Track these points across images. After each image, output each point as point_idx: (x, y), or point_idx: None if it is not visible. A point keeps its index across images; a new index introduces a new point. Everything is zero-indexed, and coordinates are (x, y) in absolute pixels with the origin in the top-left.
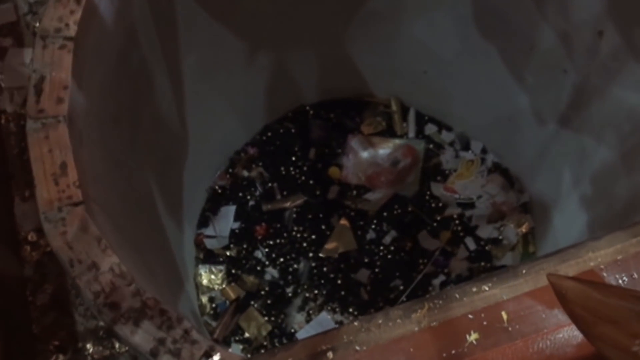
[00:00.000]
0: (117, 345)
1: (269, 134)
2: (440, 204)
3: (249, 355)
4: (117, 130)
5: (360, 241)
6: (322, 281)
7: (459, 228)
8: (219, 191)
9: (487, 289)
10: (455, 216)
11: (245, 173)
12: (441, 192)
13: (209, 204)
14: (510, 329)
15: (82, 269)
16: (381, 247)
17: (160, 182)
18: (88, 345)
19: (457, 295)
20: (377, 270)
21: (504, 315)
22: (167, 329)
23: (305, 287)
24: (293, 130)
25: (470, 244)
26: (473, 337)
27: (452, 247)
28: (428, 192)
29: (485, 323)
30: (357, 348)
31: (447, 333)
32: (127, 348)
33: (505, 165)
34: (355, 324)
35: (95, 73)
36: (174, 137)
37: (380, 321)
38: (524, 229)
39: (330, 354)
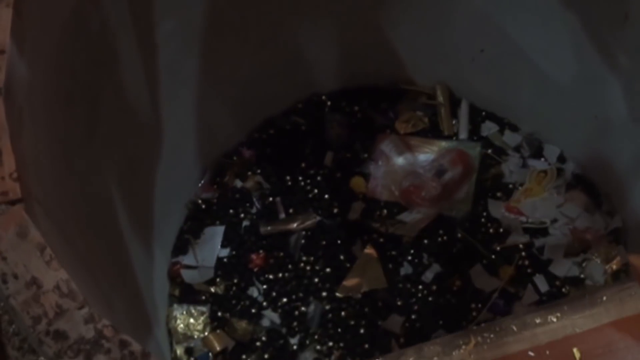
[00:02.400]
0: None
1: (271, 131)
2: (501, 230)
3: None
4: (69, 114)
5: (392, 277)
6: (339, 330)
7: (526, 262)
8: (203, 206)
9: (554, 319)
10: (521, 246)
11: (239, 183)
12: (502, 213)
13: (189, 224)
14: None
15: (18, 287)
16: (420, 286)
17: (123, 188)
18: None
19: (515, 328)
20: (413, 317)
21: (576, 352)
22: None
23: (316, 337)
24: (303, 127)
25: (542, 284)
26: None
27: (516, 288)
28: (485, 213)
29: None
30: None
31: None
32: None
33: (591, 179)
34: None
35: (43, 37)
36: (144, 130)
37: (411, 359)
38: (614, 264)
39: None
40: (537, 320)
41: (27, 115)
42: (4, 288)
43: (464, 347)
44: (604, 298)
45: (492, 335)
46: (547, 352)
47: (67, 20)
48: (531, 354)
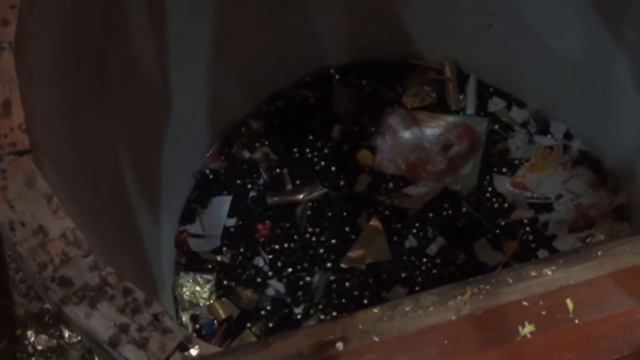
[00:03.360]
0: (66, 334)
1: (279, 103)
2: (506, 205)
3: None
4: (79, 74)
5: (397, 249)
6: (343, 300)
7: (530, 237)
8: (211, 176)
9: (549, 272)
10: (525, 221)
11: (246, 154)
12: (508, 188)
13: (196, 193)
14: (576, 320)
15: (25, 234)
16: (424, 259)
17: (131, 153)
18: (29, 333)
19: (510, 280)
20: (417, 289)
21: (569, 303)
22: (132, 313)
23: (321, 307)
24: (312, 100)
25: None
26: (527, 329)
27: (519, 263)
28: (490, 188)
29: (544, 312)
30: (376, 339)
31: (493, 323)
32: (79, 338)
33: (597, 156)
34: (375, 310)
35: None
36: (152, 97)
37: (407, 308)
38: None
39: (339, 345)
40: (532, 273)
41: (36, 71)
42: (11, 235)
43: (459, 297)
44: (599, 253)
45: (487, 287)
46: (541, 302)
47: None
48: (525, 303)
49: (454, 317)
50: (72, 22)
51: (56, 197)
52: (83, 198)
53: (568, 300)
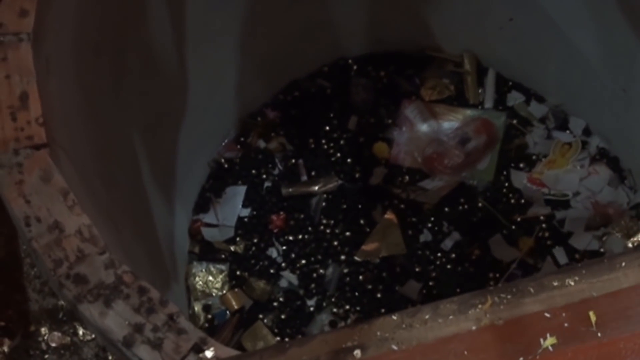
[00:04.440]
0: (80, 331)
1: (296, 93)
2: (523, 201)
3: None
4: (97, 65)
5: (411, 244)
6: (356, 293)
7: (546, 234)
8: (226, 166)
9: (572, 283)
10: (542, 218)
11: (262, 144)
12: (525, 184)
13: (211, 182)
14: (599, 333)
15: (41, 230)
16: (438, 254)
17: (147, 142)
18: (43, 330)
19: (532, 290)
20: (431, 283)
21: (592, 316)
22: (147, 313)
23: (333, 300)
24: (329, 91)
25: (561, 256)
26: (549, 341)
27: (534, 260)
28: (506, 184)
29: (566, 325)
30: (395, 347)
31: (514, 334)
32: (93, 336)
33: (615, 153)
34: (394, 317)
35: None
36: (170, 86)
37: (427, 316)
38: (635, 240)
39: (358, 353)
40: (555, 283)
41: (54, 63)
42: (27, 231)
43: (480, 306)
44: (623, 264)
45: (509, 296)
46: (563, 314)
47: None
48: (547, 315)
49: (474, 327)
50: (89, 11)
51: (72, 192)
52: (99, 190)
53: (591, 313)
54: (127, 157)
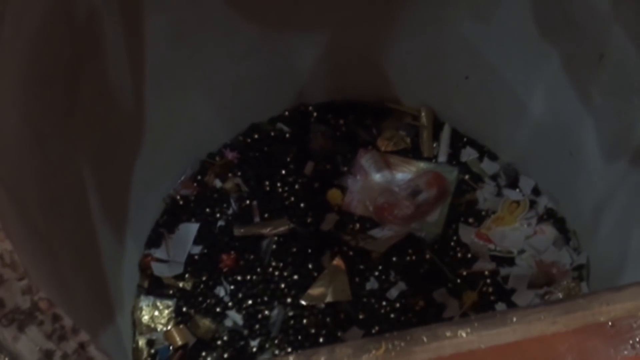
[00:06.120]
0: None
1: (256, 135)
2: (469, 255)
3: None
4: (46, 95)
5: (357, 291)
6: (299, 337)
7: (490, 289)
8: (181, 202)
9: (464, 334)
10: (486, 273)
11: (218, 183)
12: (472, 239)
13: (165, 218)
14: None
15: None
16: (383, 303)
17: (98, 174)
18: None
19: (425, 338)
20: (373, 331)
21: None
22: (58, 340)
23: (276, 342)
24: (288, 135)
25: None
26: None
27: (476, 314)
28: (454, 237)
29: None
30: None
31: None
32: (6, 358)
33: (562, 214)
34: (291, 357)
35: (24, 17)
36: (125, 119)
37: (322, 358)
38: None
39: None
40: (447, 334)
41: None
42: None
43: (374, 351)
44: (514, 319)
45: (402, 344)
46: None
47: (52, 4)
48: None
49: None
50: (41, 42)
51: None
52: (37, 218)
53: None
54: (74, 188)
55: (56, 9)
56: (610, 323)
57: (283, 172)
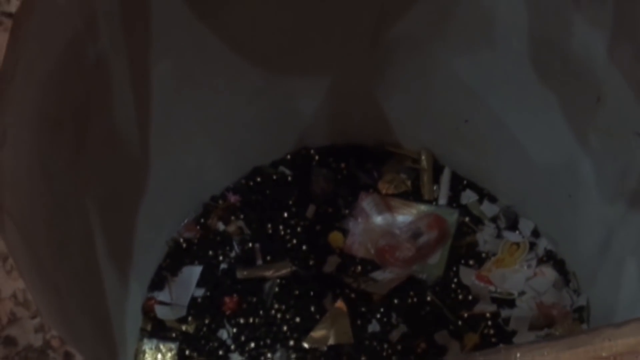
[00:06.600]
0: None
1: (258, 179)
2: (470, 297)
3: None
4: (56, 138)
5: (359, 333)
6: None
7: (491, 332)
8: (184, 245)
9: None
10: (488, 315)
11: (221, 226)
12: (473, 281)
13: (168, 261)
14: None
15: None
16: (385, 345)
17: (104, 216)
18: None
19: None
20: None
21: None
22: None
23: None
24: (290, 178)
25: None
26: None
27: None
28: (455, 280)
29: None
30: None
31: None
32: None
33: (562, 256)
34: None
35: (37, 63)
36: (130, 164)
37: None
38: None
39: None
40: None
41: (11, 133)
42: None
43: None
44: (518, 355)
45: None
46: None
47: (63, 50)
48: None
49: None
50: (52, 86)
51: (12, 257)
52: (45, 258)
53: None
54: (82, 229)
55: (68, 53)
56: (612, 358)
57: (285, 214)
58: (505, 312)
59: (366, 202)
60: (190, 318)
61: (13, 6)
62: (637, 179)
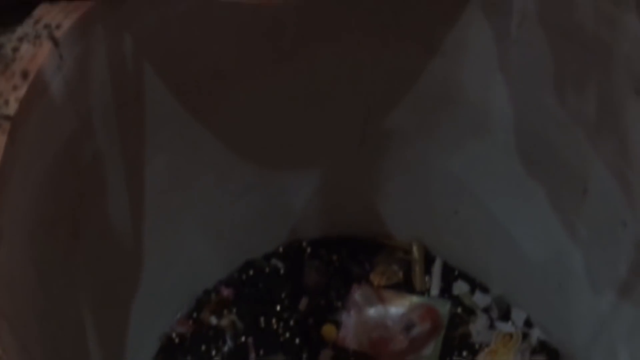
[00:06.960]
0: None
1: (251, 272)
2: None
3: None
4: (50, 237)
5: None
6: None
7: None
8: (176, 340)
9: None
10: None
11: (214, 320)
12: None
13: (161, 356)
14: None
15: None
16: None
17: (96, 313)
18: None
19: None
20: None
21: None
22: None
23: None
24: (282, 271)
25: None
26: None
27: None
28: None
29: None
30: None
31: None
32: None
33: (555, 345)
34: None
35: (34, 164)
36: (124, 258)
37: None
38: None
39: None
40: None
41: (7, 234)
42: None
43: None
44: None
45: None
46: None
47: (59, 150)
48: None
49: None
50: (48, 186)
51: (5, 355)
52: (36, 354)
53: None
54: (74, 326)
55: (64, 152)
56: None
57: (278, 308)
58: None
59: (358, 294)
60: None
61: (12, 109)
62: (626, 269)
